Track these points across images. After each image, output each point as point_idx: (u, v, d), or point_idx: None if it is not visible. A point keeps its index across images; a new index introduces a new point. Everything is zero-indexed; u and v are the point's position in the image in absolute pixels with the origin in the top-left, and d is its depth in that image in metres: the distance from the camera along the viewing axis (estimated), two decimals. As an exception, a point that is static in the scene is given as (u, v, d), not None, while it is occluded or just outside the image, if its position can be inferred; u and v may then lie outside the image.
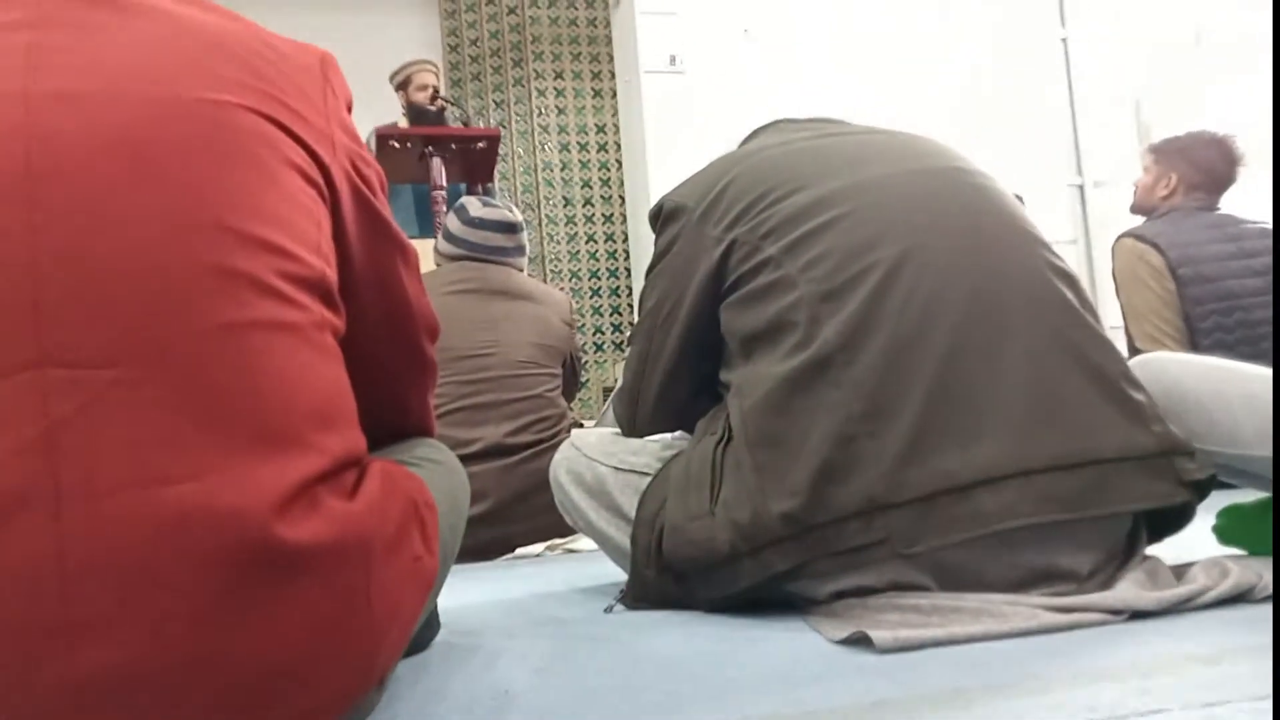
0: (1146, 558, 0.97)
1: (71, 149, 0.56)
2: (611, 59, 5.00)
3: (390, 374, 0.83)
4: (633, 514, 1.13)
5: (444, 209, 3.22)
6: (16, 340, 0.52)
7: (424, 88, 3.86)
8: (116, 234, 0.55)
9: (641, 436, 1.26)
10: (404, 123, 3.87)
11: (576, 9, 5.26)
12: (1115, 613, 0.85)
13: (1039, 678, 0.69)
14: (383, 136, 3.28)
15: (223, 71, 0.63)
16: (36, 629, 0.50)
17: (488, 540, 1.91)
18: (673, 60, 4.24)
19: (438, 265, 2.25)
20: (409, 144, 3.30)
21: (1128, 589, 0.88)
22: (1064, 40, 4.88)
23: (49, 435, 0.51)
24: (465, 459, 1.84)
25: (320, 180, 0.67)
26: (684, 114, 4.16)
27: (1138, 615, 0.85)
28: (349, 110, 0.75)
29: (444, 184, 3.33)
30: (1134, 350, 2.43)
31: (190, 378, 0.55)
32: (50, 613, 0.50)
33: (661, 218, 1.18)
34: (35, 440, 0.51)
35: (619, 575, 1.26)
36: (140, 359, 0.54)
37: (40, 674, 0.50)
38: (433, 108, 3.81)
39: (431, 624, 0.99)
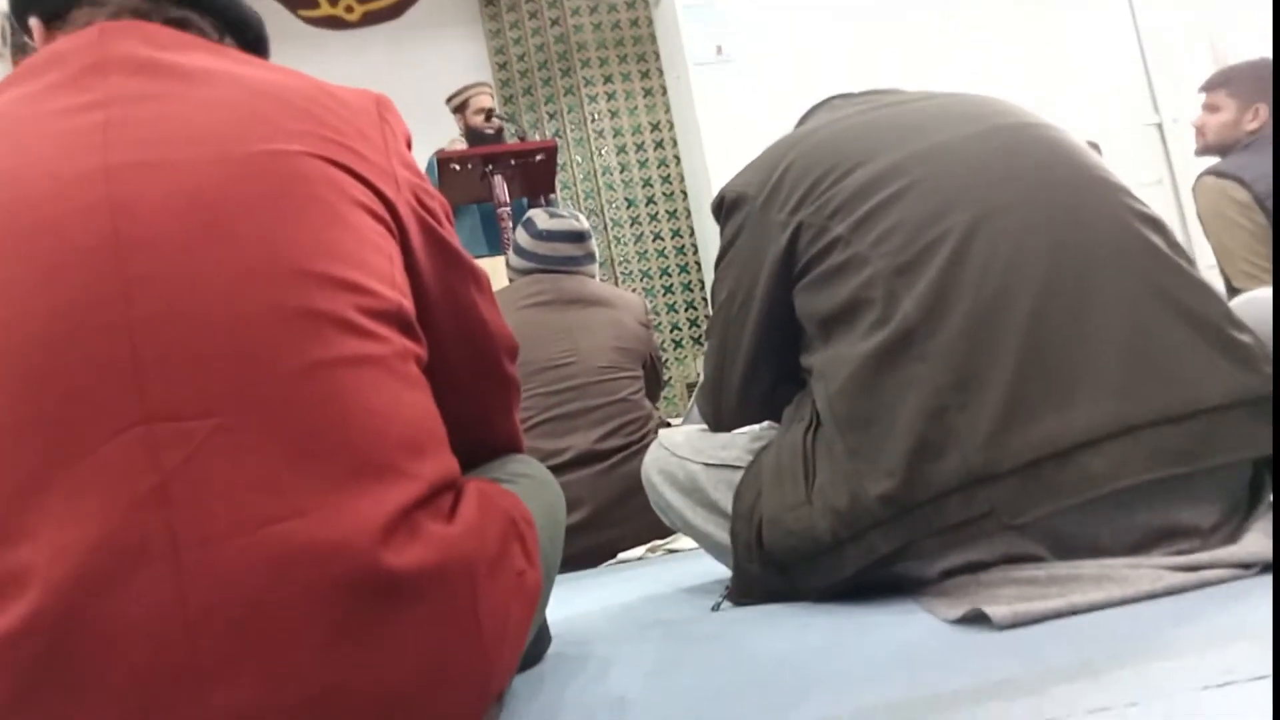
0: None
1: (154, 215, 0.59)
2: (658, 57, 4.99)
3: (475, 395, 0.85)
4: (729, 509, 1.12)
5: (510, 225, 3.26)
6: (122, 400, 0.55)
7: (480, 110, 3.92)
8: (203, 289, 0.58)
9: (728, 430, 1.25)
10: (463, 143, 3.92)
11: (618, 12, 5.26)
12: (1245, 566, 0.81)
13: (1170, 642, 0.66)
14: (443, 160, 3.34)
15: (286, 124, 0.65)
16: (166, 675, 0.52)
17: (589, 547, 1.93)
18: (719, 50, 4.21)
19: (510, 280, 2.28)
20: (469, 165, 3.35)
21: (1256, 540, 0.84)
22: (1124, -25, 4.68)
23: (162, 488, 0.54)
24: (558, 468, 1.87)
25: (387, 216, 0.69)
26: (736, 102, 4.13)
27: (1270, 567, 0.80)
28: (408, 146, 0.77)
29: (507, 200, 3.37)
30: (1232, 290, 2.32)
31: (285, 419, 0.57)
32: (178, 659, 0.52)
33: (724, 208, 1.17)
34: (150, 494, 0.54)
35: (723, 572, 1.25)
36: (236, 406, 0.56)
37: (173, 718, 0.53)
38: (490, 129, 3.87)
39: (542, 637, 1.00)
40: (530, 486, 0.84)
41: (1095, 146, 2.85)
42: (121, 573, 0.52)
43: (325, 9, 5.09)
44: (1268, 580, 0.78)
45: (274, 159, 0.63)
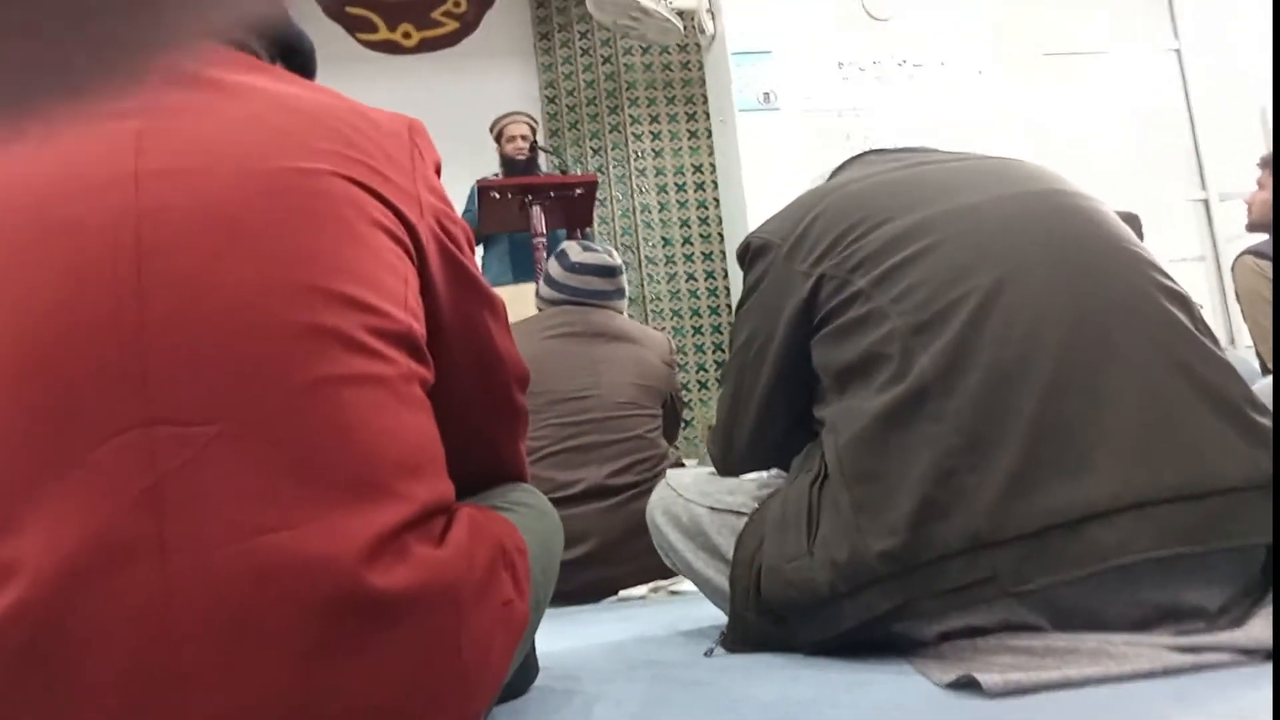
0: (1284, 593, 0.90)
1: (176, 222, 0.60)
2: (705, 100, 5.03)
3: (482, 422, 0.85)
4: (731, 555, 1.11)
5: (545, 255, 3.29)
6: (127, 401, 0.56)
7: (512, 139, 3.97)
8: (216, 299, 0.59)
9: (736, 475, 1.24)
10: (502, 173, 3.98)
11: (670, 53, 5.33)
12: (1248, 653, 0.79)
13: (1161, 725, 0.65)
14: (484, 189, 3.39)
15: (314, 142, 0.67)
16: (147, 677, 0.53)
17: (590, 582, 1.92)
18: (766, 98, 4.24)
19: (539, 310, 2.30)
20: (509, 194, 3.40)
21: (1261, 627, 0.82)
22: (1177, 51, 4.68)
23: (156, 490, 0.55)
24: (567, 500, 1.87)
25: (407, 239, 0.70)
26: (780, 150, 4.15)
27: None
28: (437, 173, 0.78)
29: (544, 231, 3.40)
30: (1267, 371, 2.28)
31: (285, 432, 0.58)
32: (159, 661, 0.53)
33: (749, 255, 1.18)
34: (144, 495, 0.55)
35: (721, 618, 1.24)
36: (239, 415, 0.57)
37: None
38: (521, 158, 3.91)
39: (529, 668, 0.99)
40: (528, 516, 0.84)
41: (1135, 219, 2.83)
42: (108, 569, 0.53)
43: (384, 34, 5.22)
44: (1270, 669, 0.76)
45: (298, 175, 0.64)
